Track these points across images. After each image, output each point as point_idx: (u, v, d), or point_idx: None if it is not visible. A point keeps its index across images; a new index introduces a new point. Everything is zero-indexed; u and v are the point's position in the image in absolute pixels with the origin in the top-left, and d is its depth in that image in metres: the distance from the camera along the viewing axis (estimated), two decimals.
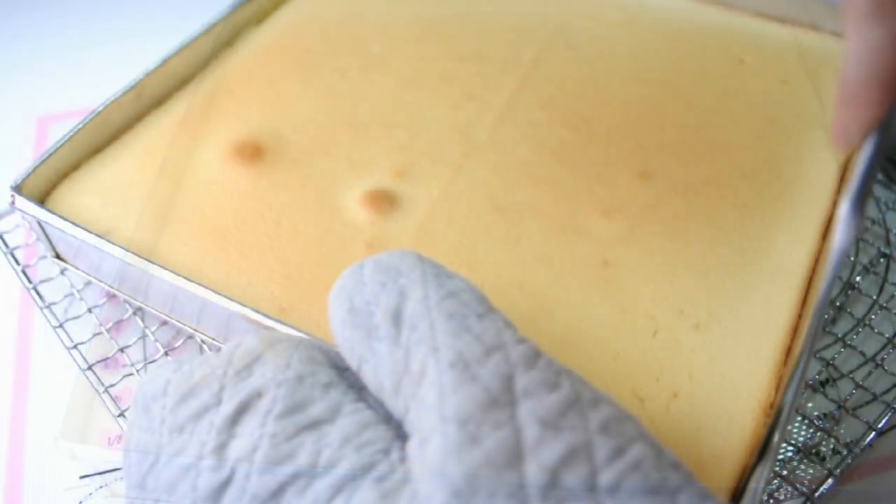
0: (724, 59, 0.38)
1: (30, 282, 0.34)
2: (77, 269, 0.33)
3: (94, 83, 0.47)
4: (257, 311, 0.27)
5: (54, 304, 0.33)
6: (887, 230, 0.36)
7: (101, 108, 0.34)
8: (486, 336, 0.20)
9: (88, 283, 0.34)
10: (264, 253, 0.30)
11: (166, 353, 0.31)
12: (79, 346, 0.32)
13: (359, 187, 0.32)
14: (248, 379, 0.21)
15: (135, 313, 0.33)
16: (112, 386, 0.30)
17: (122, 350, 0.32)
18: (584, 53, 0.38)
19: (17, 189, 0.31)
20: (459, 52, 0.38)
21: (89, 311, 0.33)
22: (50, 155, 0.32)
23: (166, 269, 0.28)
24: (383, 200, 0.31)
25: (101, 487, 0.29)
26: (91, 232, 0.29)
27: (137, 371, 0.31)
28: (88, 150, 0.34)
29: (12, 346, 0.34)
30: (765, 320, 0.27)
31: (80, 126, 0.33)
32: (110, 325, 0.33)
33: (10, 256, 0.35)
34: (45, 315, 0.33)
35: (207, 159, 0.33)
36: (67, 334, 0.32)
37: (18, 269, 0.35)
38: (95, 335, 0.32)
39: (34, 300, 0.33)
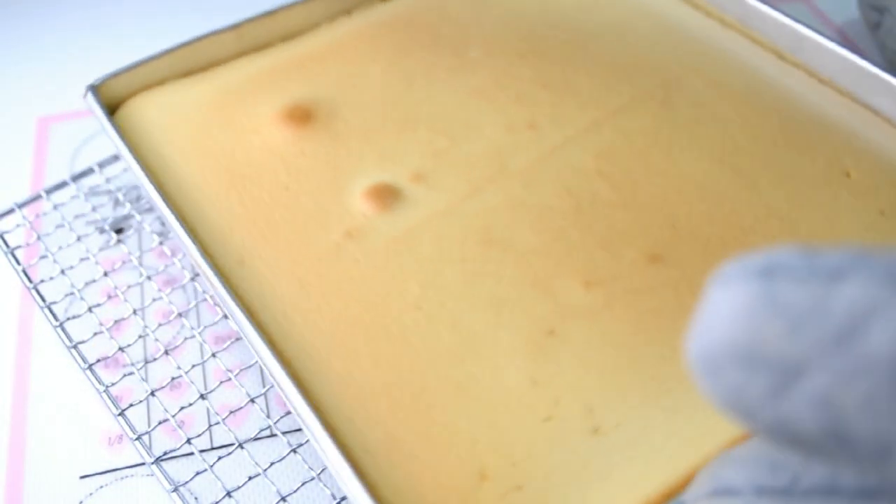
0: (829, 167, 0.32)
1: (30, 281, 0.34)
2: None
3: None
4: (211, 265, 0.28)
5: (54, 303, 0.33)
6: None
7: (198, 37, 0.36)
8: None
9: (89, 283, 0.34)
10: (259, 209, 0.31)
11: (167, 353, 0.31)
12: (79, 346, 0.32)
13: (373, 178, 0.32)
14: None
15: (135, 313, 0.33)
16: (112, 385, 0.30)
17: (122, 349, 0.32)
18: (675, 115, 0.34)
19: (93, 89, 0.32)
20: (549, 77, 0.36)
21: (89, 310, 0.33)
22: (136, 65, 0.35)
23: (168, 206, 0.30)
24: (387, 197, 0.31)
25: (101, 487, 0.29)
26: (128, 146, 0.32)
27: (137, 370, 0.31)
28: (178, 71, 0.36)
29: (12, 345, 0.34)
30: (668, 457, 0.24)
31: (174, 47, 0.36)
32: (110, 324, 0.32)
33: (10, 256, 0.35)
34: (45, 314, 0.33)
35: (261, 112, 0.34)
36: (67, 333, 0.32)
37: (19, 268, 0.35)
38: (96, 334, 0.32)
39: (34, 299, 0.33)
